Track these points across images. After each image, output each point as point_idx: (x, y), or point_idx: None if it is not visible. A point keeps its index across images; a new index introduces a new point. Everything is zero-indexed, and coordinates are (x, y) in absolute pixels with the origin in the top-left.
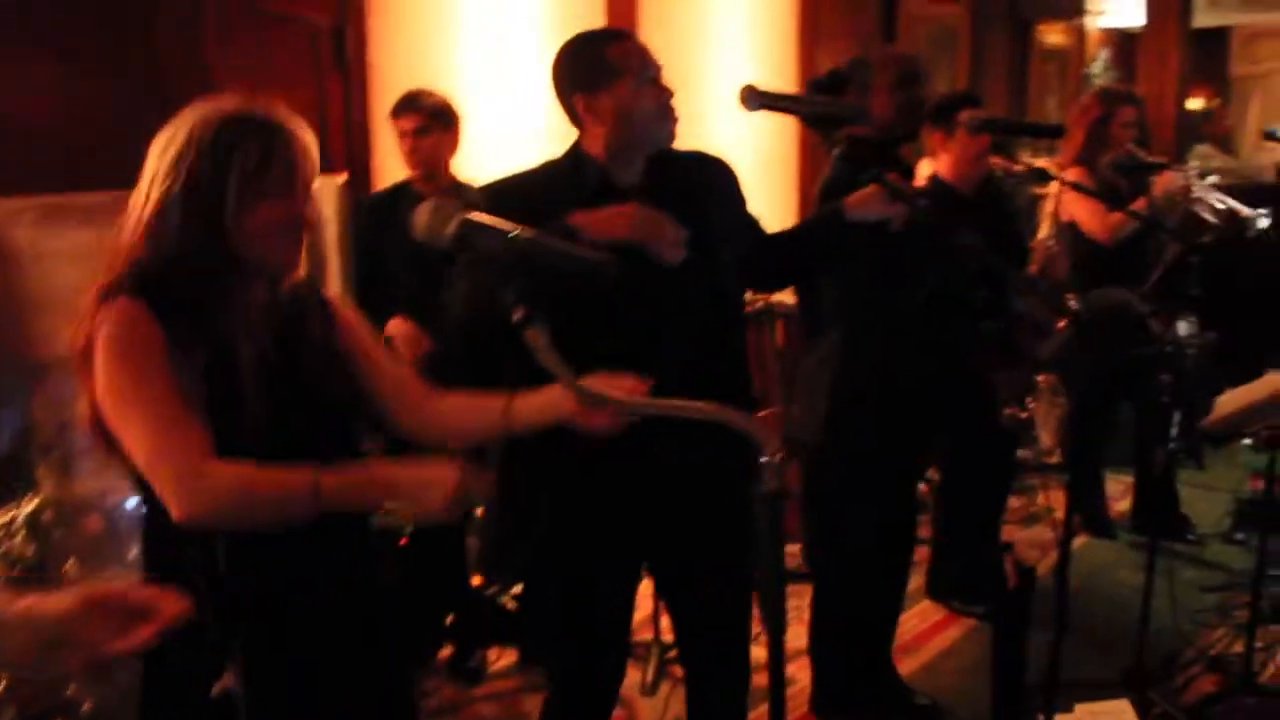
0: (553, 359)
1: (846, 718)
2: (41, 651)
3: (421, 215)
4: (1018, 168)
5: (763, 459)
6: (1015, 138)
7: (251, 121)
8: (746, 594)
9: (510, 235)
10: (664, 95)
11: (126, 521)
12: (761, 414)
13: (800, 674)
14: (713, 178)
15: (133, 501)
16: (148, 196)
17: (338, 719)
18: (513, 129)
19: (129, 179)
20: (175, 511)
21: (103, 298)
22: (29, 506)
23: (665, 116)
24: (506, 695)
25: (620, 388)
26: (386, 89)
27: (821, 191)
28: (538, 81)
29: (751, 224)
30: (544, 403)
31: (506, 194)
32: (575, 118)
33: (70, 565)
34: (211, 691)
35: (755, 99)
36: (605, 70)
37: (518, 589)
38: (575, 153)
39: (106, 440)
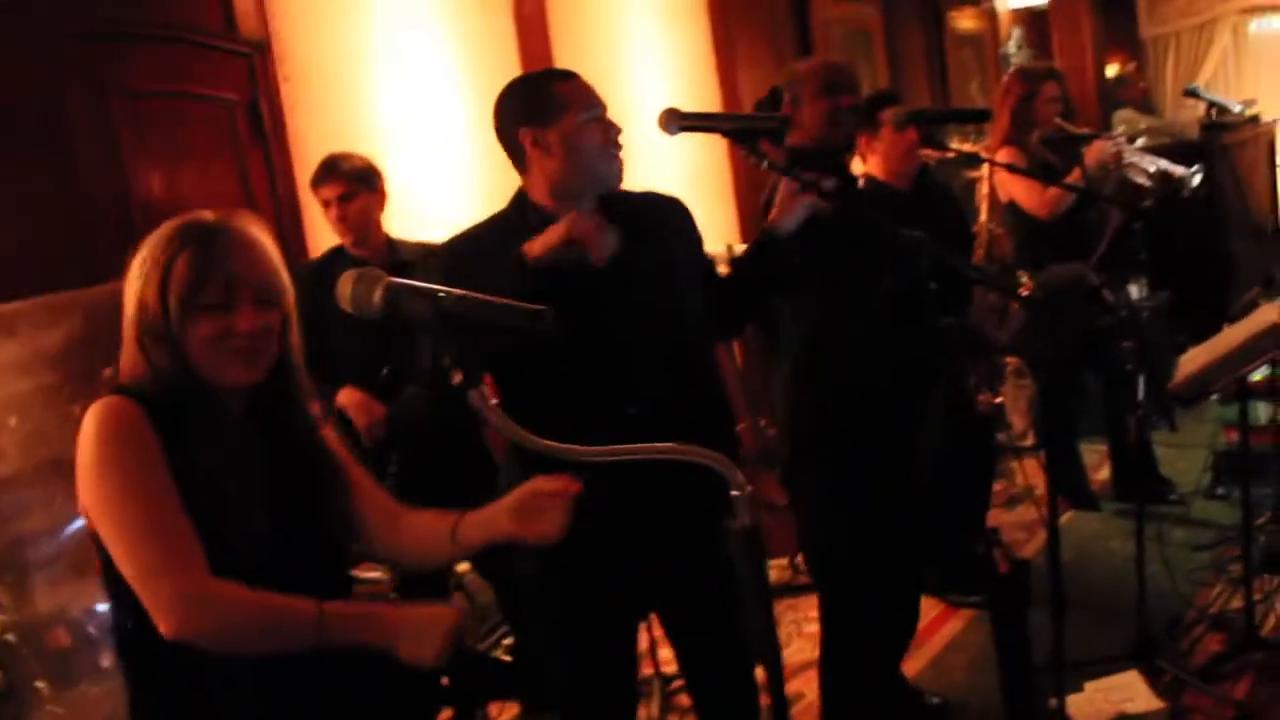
0: (500, 418)
1: None
2: None
3: (344, 286)
4: (950, 154)
5: (733, 493)
6: (942, 126)
7: (190, 234)
8: (743, 617)
9: (439, 296)
10: (611, 131)
11: (94, 630)
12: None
13: (807, 687)
14: (667, 217)
15: (101, 608)
16: (124, 316)
17: None
18: (438, 182)
19: (49, 284)
20: (166, 627)
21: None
22: None
23: (612, 154)
24: None
25: (555, 488)
26: (309, 156)
27: (764, 206)
28: (459, 132)
29: (709, 270)
30: (487, 519)
31: (456, 249)
32: (519, 155)
33: (42, 684)
34: None
35: (674, 121)
36: (552, 104)
37: (509, 641)
38: (519, 200)
39: (97, 546)
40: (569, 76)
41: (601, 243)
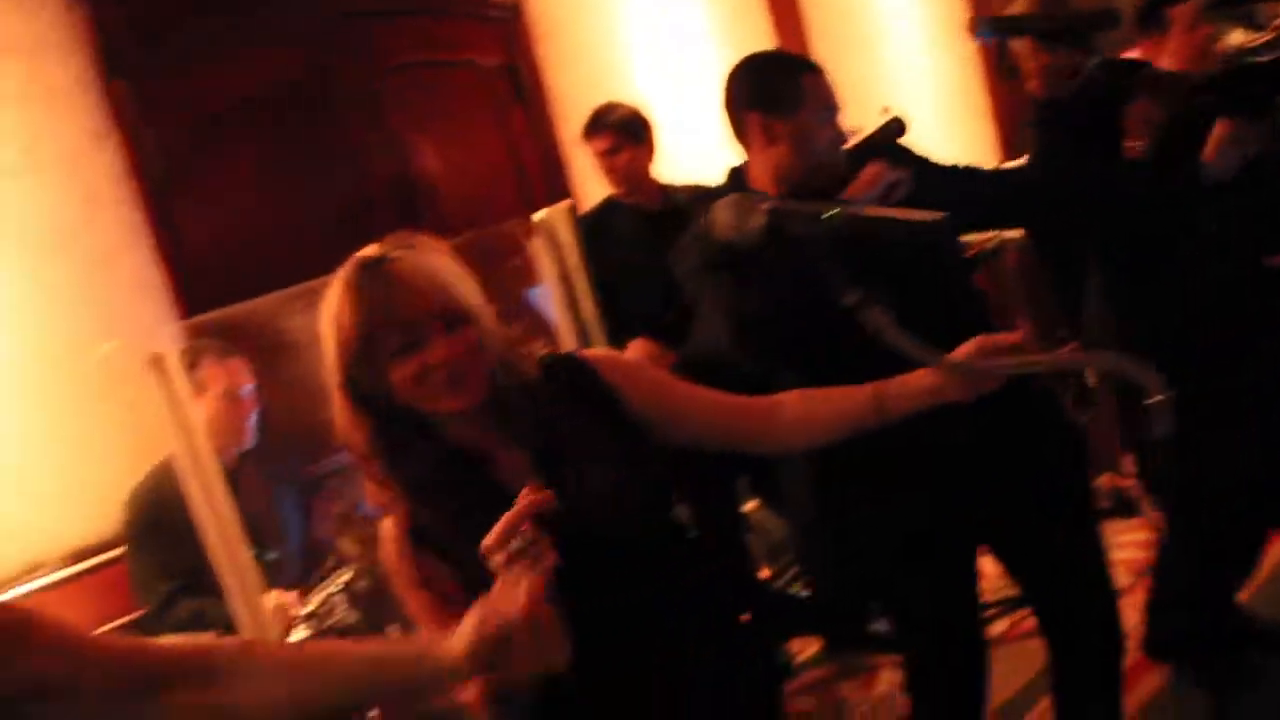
0: (903, 338)
1: (1184, 656)
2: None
3: (722, 213)
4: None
5: (1151, 401)
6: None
7: (354, 286)
8: (1097, 543)
9: (827, 215)
10: (840, 137)
11: None
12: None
13: (1129, 614)
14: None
15: None
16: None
17: None
18: (694, 130)
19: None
20: None
21: None
22: (342, 579)
23: (836, 156)
24: (820, 685)
25: (985, 352)
26: (569, 112)
27: (1058, 104)
28: (712, 81)
29: (962, 170)
30: (917, 387)
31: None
32: (743, 133)
33: (393, 629)
34: None
35: (987, 26)
36: (792, 96)
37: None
38: (735, 180)
39: None
40: (814, 71)
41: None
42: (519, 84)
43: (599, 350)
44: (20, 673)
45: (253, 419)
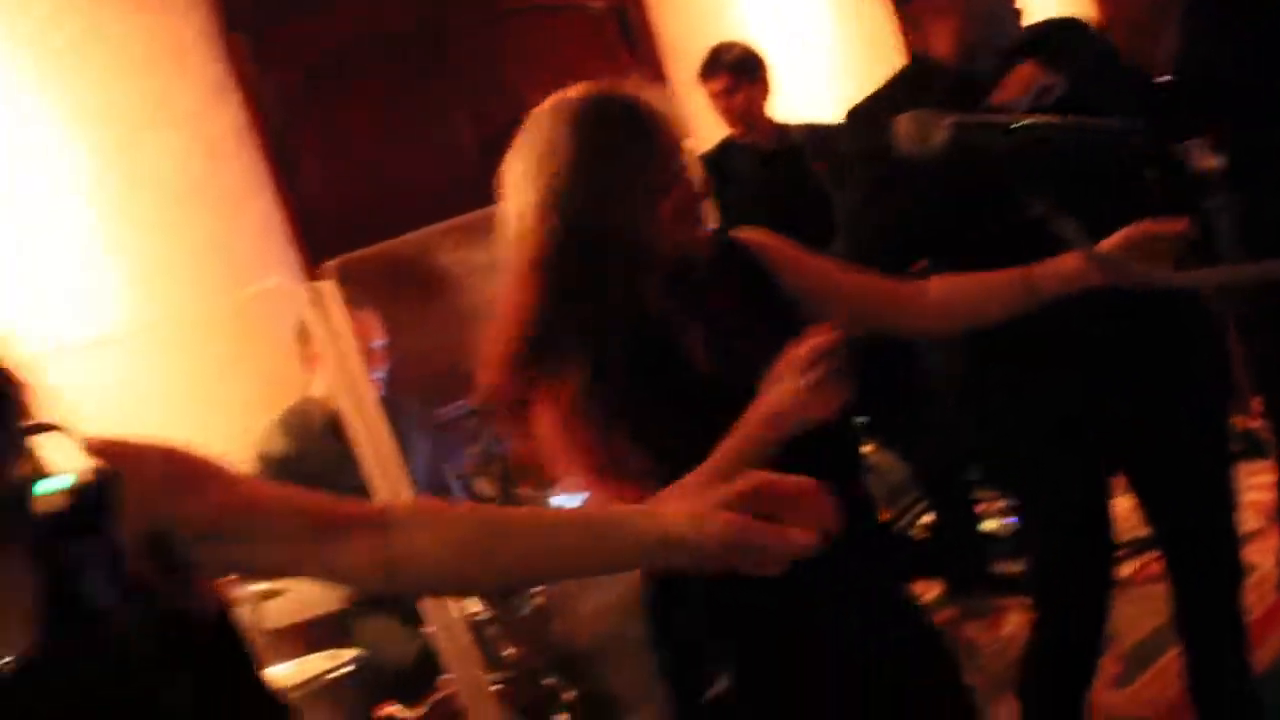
0: (1089, 248)
1: None
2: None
3: (905, 127)
4: None
5: None
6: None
7: (615, 115)
8: (1230, 479)
9: (1014, 126)
10: (1015, 7)
11: None
12: None
13: (1260, 558)
14: (1078, 40)
15: (573, 501)
16: (525, 225)
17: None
18: (803, 68)
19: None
20: None
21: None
22: None
23: (1012, 21)
24: (943, 627)
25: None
26: (679, 54)
27: None
28: (825, 18)
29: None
30: (1067, 268)
31: (860, 114)
32: (914, 21)
33: None
34: (704, 697)
35: None
36: None
37: (928, 518)
38: (918, 61)
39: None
40: None
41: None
42: (627, 26)
43: (750, 230)
44: (198, 511)
45: (381, 373)
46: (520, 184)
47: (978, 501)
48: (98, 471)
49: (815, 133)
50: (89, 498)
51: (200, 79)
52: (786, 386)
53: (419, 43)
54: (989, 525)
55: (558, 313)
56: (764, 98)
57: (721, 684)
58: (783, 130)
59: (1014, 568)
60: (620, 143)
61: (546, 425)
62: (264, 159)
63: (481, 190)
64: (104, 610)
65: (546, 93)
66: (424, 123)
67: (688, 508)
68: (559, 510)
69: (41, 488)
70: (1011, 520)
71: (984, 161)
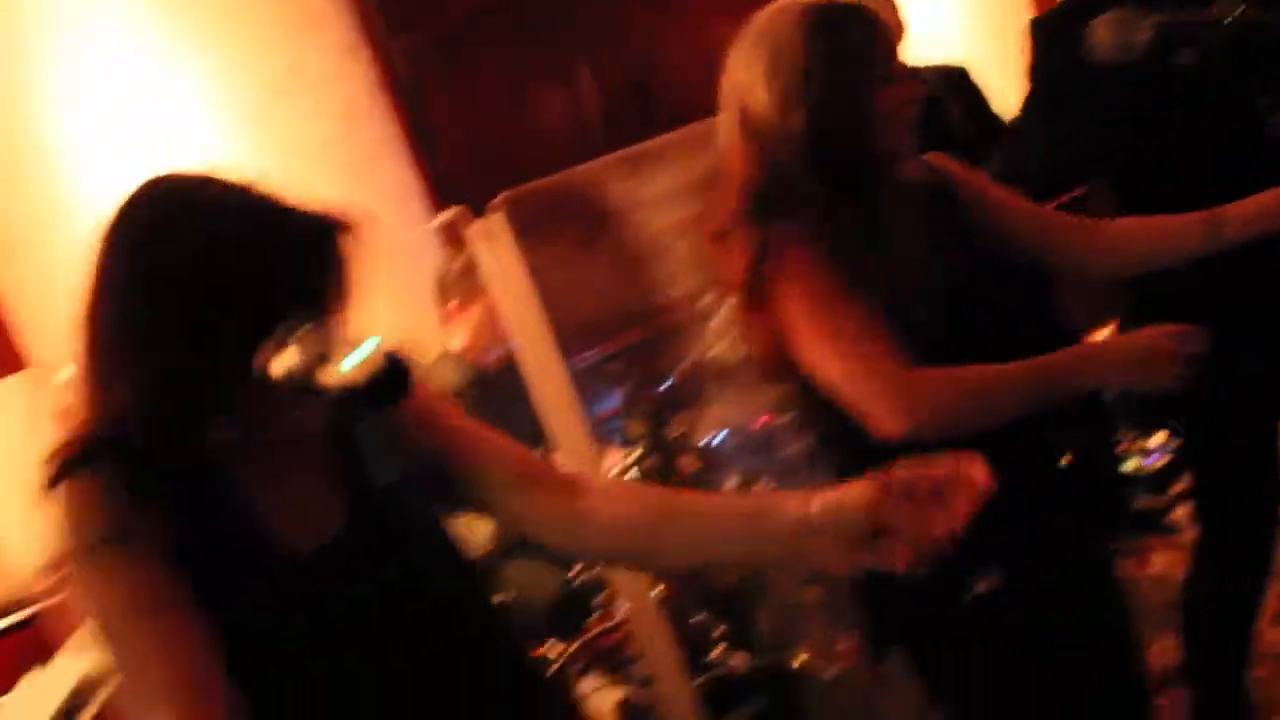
0: None
1: None
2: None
3: (1103, 30)
4: None
5: None
6: None
7: (842, 17)
8: None
9: (1226, 21)
10: None
11: (717, 457)
12: None
13: None
14: None
15: (719, 438)
16: (761, 121)
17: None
18: (936, 15)
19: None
20: (892, 425)
21: (763, 225)
22: (632, 456)
23: None
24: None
25: None
26: None
27: None
28: None
29: None
30: (1263, 207)
31: (1049, 28)
32: None
33: None
34: (967, 595)
35: None
36: None
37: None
38: None
39: (780, 371)
40: None
41: None
42: None
43: (938, 155)
44: (435, 431)
45: None
46: (754, 86)
47: (1119, 441)
48: (391, 354)
49: (948, 75)
50: (392, 372)
51: (332, 43)
52: (1154, 336)
53: (546, 2)
54: (1130, 465)
55: (800, 171)
56: (897, 40)
57: (986, 582)
58: (914, 73)
59: (1156, 505)
60: (853, 42)
61: (786, 300)
62: (396, 120)
63: (609, 145)
64: (390, 489)
65: (673, 47)
66: (552, 81)
67: (837, 493)
68: (723, 497)
69: (350, 360)
70: (1153, 459)
71: (1192, 62)
